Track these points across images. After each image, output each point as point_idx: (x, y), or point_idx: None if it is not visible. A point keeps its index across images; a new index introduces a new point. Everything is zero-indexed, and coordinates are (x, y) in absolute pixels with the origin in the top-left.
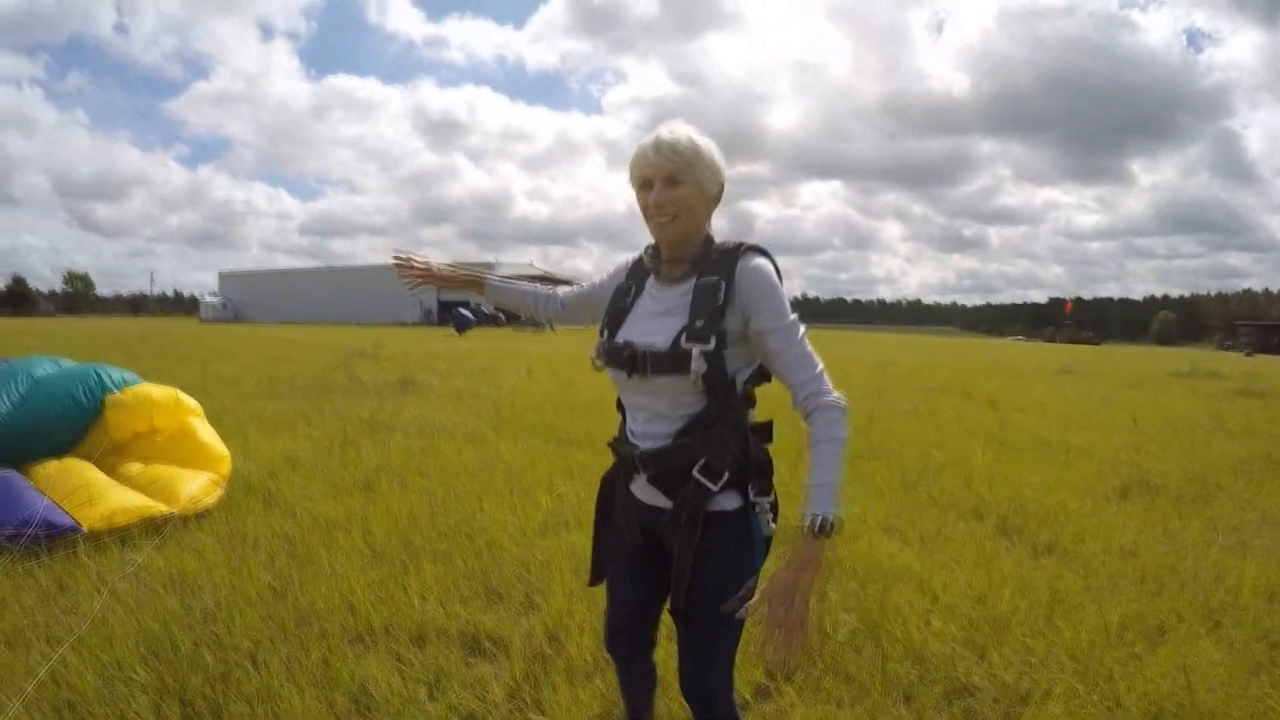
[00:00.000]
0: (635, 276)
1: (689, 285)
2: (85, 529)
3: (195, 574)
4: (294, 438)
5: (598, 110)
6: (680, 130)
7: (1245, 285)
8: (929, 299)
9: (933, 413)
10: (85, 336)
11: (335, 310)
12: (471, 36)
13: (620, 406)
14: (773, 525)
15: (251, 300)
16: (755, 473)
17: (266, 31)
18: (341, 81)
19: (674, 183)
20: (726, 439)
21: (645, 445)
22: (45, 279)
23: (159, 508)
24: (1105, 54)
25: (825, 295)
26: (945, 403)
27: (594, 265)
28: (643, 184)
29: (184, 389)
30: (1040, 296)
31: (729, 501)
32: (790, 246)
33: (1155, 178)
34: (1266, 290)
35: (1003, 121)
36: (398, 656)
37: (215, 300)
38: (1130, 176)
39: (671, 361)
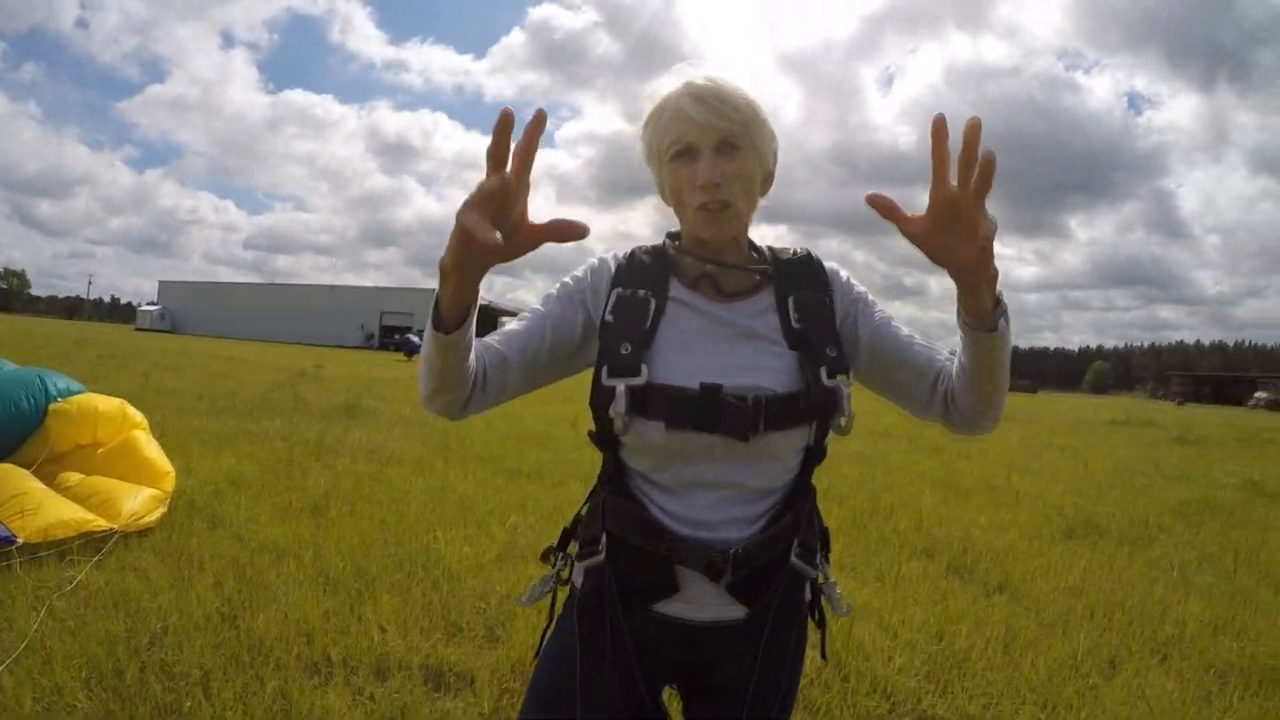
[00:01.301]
0: (643, 281)
1: (765, 300)
2: (20, 540)
3: (139, 595)
4: (238, 457)
5: (550, 144)
6: (720, 75)
7: (1177, 337)
8: None
9: (880, 457)
10: (18, 335)
11: (276, 328)
12: (432, 62)
13: (619, 480)
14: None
15: (191, 312)
16: (823, 541)
17: (228, 40)
18: (298, 97)
19: (732, 149)
20: (811, 507)
21: (722, 536)
22: None
23: (99, 522)
24: (1048, 114)
25: None
26: (891, 447)
27: (537, 298)
28: (681, 152)
29: (124, 399)
30: None
31: (805, 587)
32: None
33: (1093, 233)
34: (1198, 342)
35: None
36: (358, 690)
37: (154, 309)
38: (1069, 231)
39: (804, 409)
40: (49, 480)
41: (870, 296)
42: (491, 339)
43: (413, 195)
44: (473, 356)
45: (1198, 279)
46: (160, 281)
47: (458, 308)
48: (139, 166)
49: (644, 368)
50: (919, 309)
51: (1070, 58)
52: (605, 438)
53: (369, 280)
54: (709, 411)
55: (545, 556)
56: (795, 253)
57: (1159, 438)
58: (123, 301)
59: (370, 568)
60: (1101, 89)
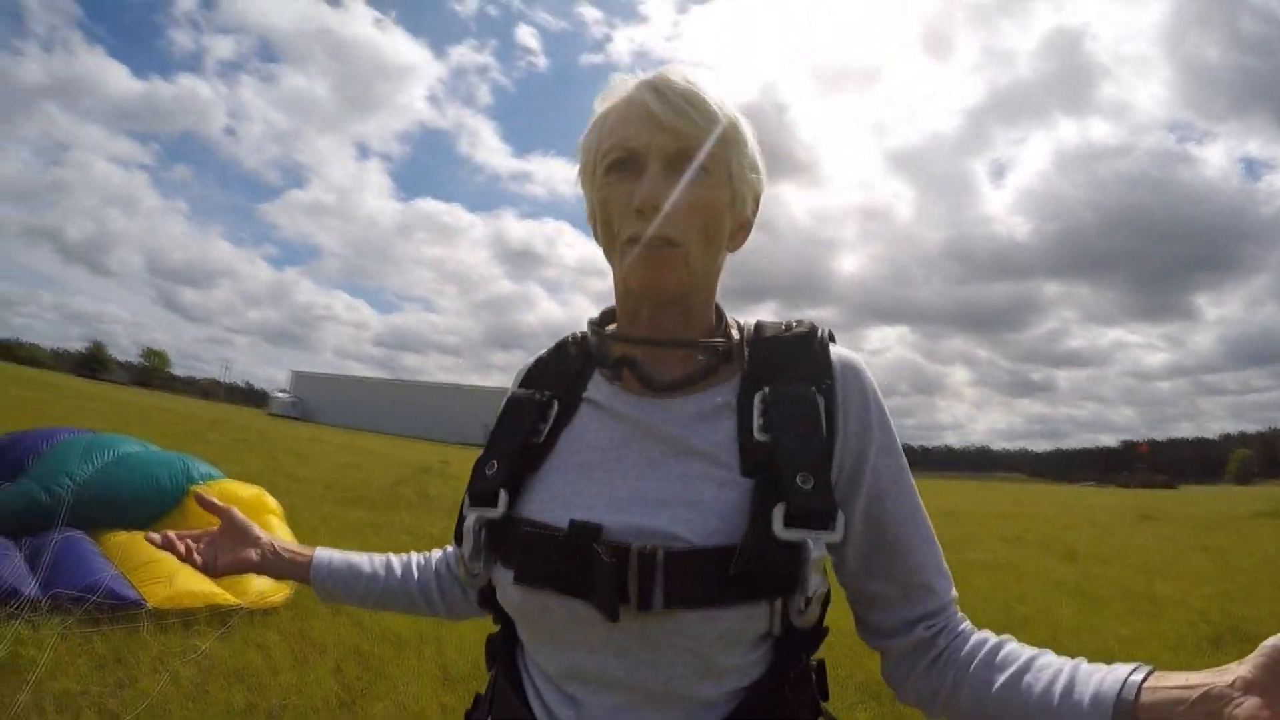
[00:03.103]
0: (553, 379)
1: (720, 395)
2: (149, 605)
3: (260, 671)
4: (363, 547)
5: None
6: (699, 78)
7: None
8: (997, 445)
9: (1011, 565)
10: (157, 411)
11: (401, 422)
12: (554, 173)
13: (508, 654)
14: None
15: (321, 402)
16: None
17: (363, 151)
18: (428, 205)
19: (695, 169)
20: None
21: None
22: (124, 349)
23: (226, 597)
24: (1164, 189)
25: None
26: (1022, 554)
27: None
28: (620, 160)
29: (253, 481)
30: (1111, 440)
31: None
32: None
33: (1222, 311)
34: None
35: (1067, 263)
36: None
37: (285, 397)
38: (1197, 311)
39: (736, 578)
40: None
41: (892, 434)
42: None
43: (537, 300)
44: (419, 582)
45: None
46: (293, 371)
47: (296, 577)
48: (278, 264)
49: (502, 494)
50: (1048, 405)
51: (1181, 129)
52: (480, 592)
53: (493, 381)
54: (573, 565)
55: None
56: (789, 327)
57: None
58: (256, 387)
59: None
60: (1216, 158)
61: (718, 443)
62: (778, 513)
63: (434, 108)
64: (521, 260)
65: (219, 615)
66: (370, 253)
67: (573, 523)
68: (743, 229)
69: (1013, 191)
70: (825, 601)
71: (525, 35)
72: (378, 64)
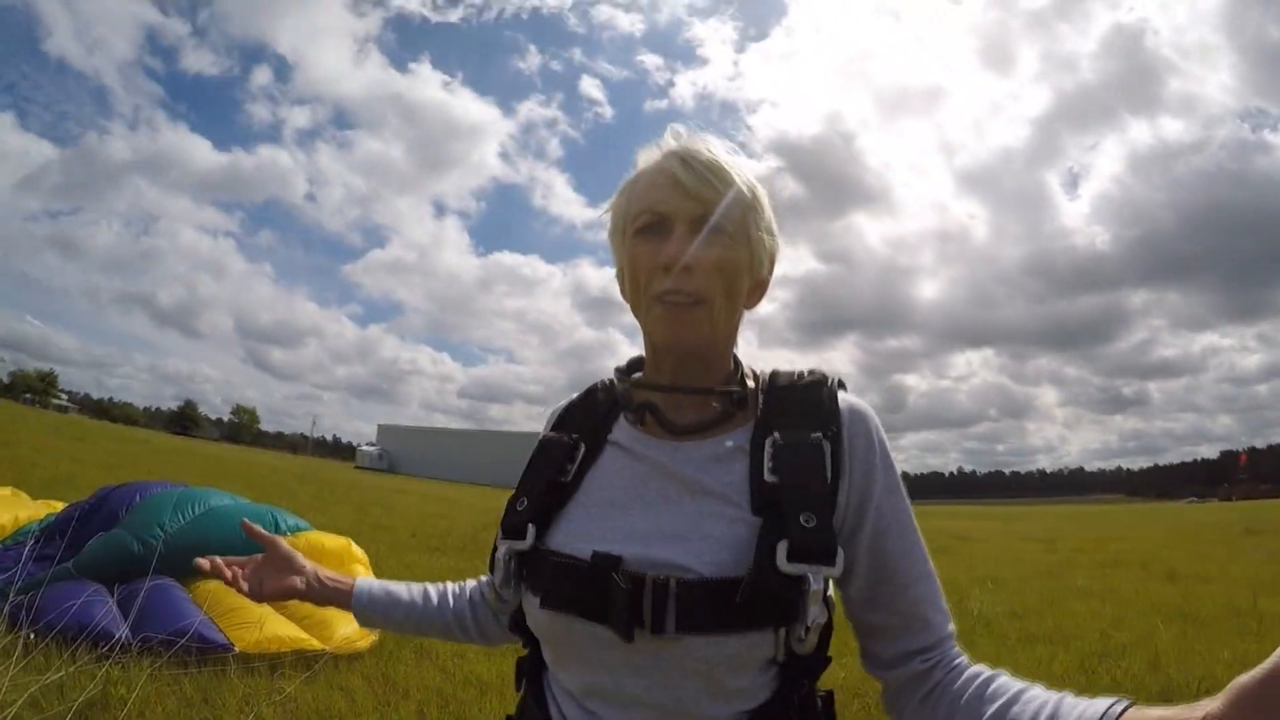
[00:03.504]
0: (581, 422)
1: (733, 439)
2: (237, 649)
3: (344, 713)
4: None
5: None
6: (719, 145)
7: None
8: (1092, 465)
9: (1109, 589)
10: (246, 466)
11: (487, 472)
12: None
13: (534, 675)
14: None
15: (407, 454)
16: None
17: (440, 209)
18: (506, 258)
19: (715, 231)
20: None
21: None
22: (215, 407)
23: (312, 643)
24: (1245, 182)
25: (982, 469)
26: (1121, 577)
27: None
28: (649, 224)
29: (340, 531)
30: (1211, 451)
31: None
32: (946, 419)
33: None
34: None
35: (1151, 269)
36: None
37: (373, 450)
38: None
39: (742, 606)
40: None
41: (894, 475)
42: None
43: (618, 346)
44: (454, 609)
45: None
46: (379, 425)
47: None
48: (362, 322)
49: (530, 528)
50: (1142, 420)
51: (1254, 118)
52: (511, 618)
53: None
54: (593, 592)
55: None
56: (801, 376)
57: None
58: (344, 441)
59: None
60: None
61: (731, 483)
62: (781, 548)
63: (506, 163)
64: (600, 307)
65: (305, 659)
66: (452, 307)
67: (595, 554)
68: (759, 288)
69: (1089, 200)
70: (826, 631)
71: (589, 87)
72: (449, 124)
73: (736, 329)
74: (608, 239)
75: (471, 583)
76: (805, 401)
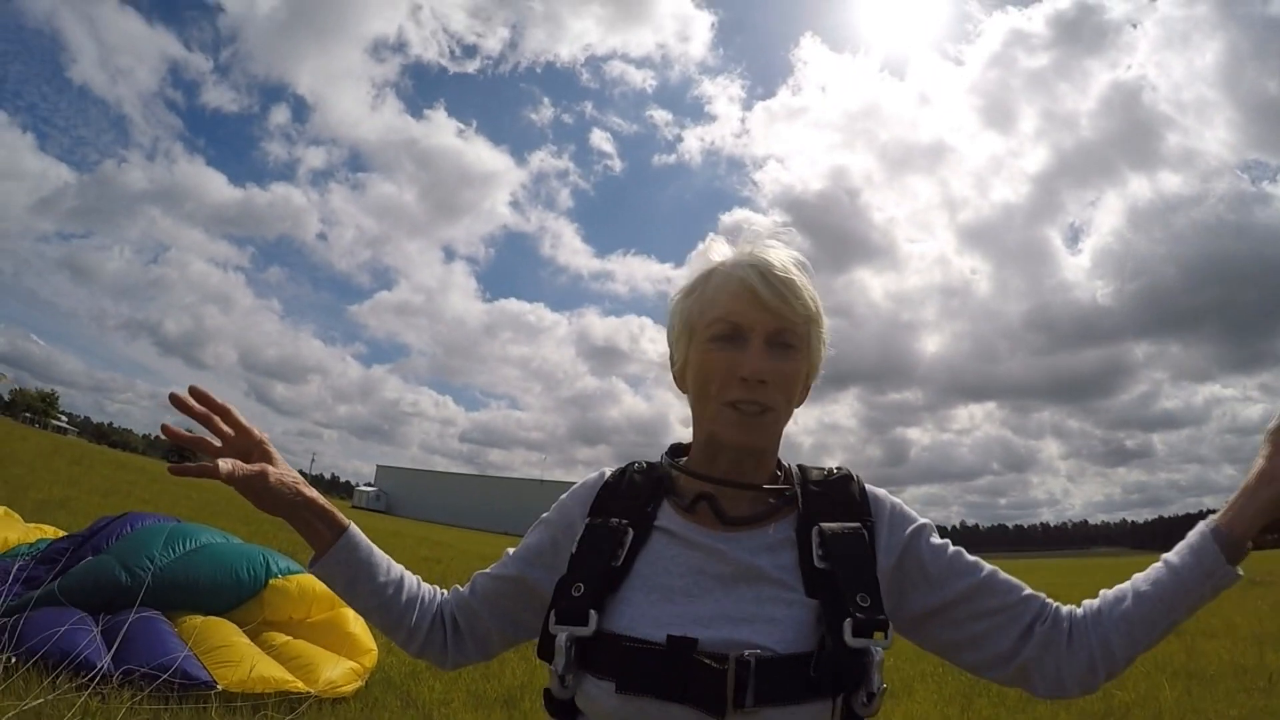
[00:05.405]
0: (626, 506)
1: (781, 531)
2: (220, 687)
3: None
4: None
5: None
6: (787, 257)
7: None
8: (1095, 518)
9: None
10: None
11: (482, 516)
12: (635, 271)
13: None
14: None
15: (405, 495)
16: None
17: (449, 254)
18: (513, 305)
19: (785, 347)
20: None
21: None
22: None
23: (297, 684)
24: (1244, 233)
25: (985, 522)
26: None
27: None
28: (725, 334)
29: None
30: (1215, 502)
31: None
32: (948, 473)
33: None
34: None
35: (1152, 322)
36: None
37: (370, 490)
38: None
39: (816, 679)
40: (255, 636)
41: (931, 526)
42: (469, 586)
43: (621, 395)
44: (411, 596)
45: None
46: (378, 465)
47: (313, 543)
48: (367, 361)
49: (592, 614)
50: (1146, 472)
51: (1253, 169)
52: (557, 702)
53: (576, 476)
54: (674, 674)
55: None
56: (831, 472)
57: None
58: (341, 479)
59: None
60: None
61: (783, 569)
62: (847, 625)
63: (517, 212)
64: (605, 356)
65: (288, 701)
66: (457, 351)
67: (670, 637)
68: (808, 389)
69: (1090, 254)
70: (882, 695)
71: (600, 140)
72: (462, 171)
73: (784, 430)
74: (670, 320)
75: (441, 593)
76: (839, 495)
